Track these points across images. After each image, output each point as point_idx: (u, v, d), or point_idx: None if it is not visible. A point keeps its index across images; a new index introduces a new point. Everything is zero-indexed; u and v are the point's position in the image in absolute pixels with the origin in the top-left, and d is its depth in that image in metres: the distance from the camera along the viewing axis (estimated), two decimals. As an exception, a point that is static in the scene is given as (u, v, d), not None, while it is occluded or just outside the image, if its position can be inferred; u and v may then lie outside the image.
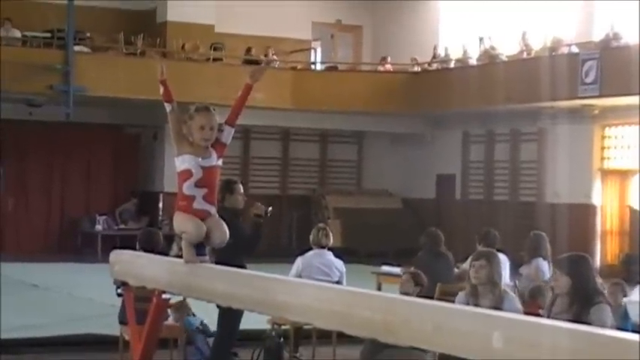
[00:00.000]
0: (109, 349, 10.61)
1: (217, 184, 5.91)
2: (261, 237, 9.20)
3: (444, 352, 4.28)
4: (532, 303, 7.95)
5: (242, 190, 9.18)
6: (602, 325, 6.27)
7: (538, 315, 6.94)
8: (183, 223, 5.77)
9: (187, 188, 5.71)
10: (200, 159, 5.77)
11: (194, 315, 10.40)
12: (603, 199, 22.02)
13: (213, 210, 5.76)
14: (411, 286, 8.72)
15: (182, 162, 5.77)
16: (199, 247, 5.83)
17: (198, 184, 5.71)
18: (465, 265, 8.53)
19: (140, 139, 26.06)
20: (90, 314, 13.26)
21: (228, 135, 6.05)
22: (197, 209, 5.70)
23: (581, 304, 6.67)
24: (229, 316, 8.63)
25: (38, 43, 23.42)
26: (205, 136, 5.81)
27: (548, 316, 6.64)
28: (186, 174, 5.72)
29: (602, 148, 22.17)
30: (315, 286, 5.05)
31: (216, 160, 5.87)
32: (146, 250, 9.17)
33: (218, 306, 8.16)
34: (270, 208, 9.21)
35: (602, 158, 22.16)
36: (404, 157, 27.10)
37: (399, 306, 4.60)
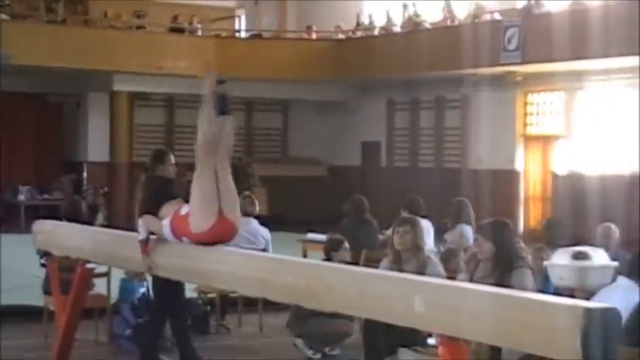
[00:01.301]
0: (34, 320, 10.51)
1: None
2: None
3: (368, 316, 4.34)
4: (446, 267, 8.03)
5: (173, 161, 9.10)
6: (523, 289, 6.38)
7: (453, 278, 7.04)
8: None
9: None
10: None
11: (145, 278, 10.15)
12: (526, 164, 22.29)
13: None
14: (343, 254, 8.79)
15: None
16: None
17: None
18: (389, 232, 8.61)
19: (63, 108, 25.77)
20: (14, 285, 13.08)
21: None
22: None
23: (503, 268, 6.78)
24: (166, 290, 8.57)
25: (-44, 11, 22.99)
26: None
27: (471, 280, 6.74)
28: None
29: (525, 115, 22.40)
30: (241, 254, 5.08)
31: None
32: (70, 220, 9.09)
33: (154, 278, 8.10)
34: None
35: (525, 124, 22.40)
36: (329, 124, 27.15)
37: (322, 272, 4.64)
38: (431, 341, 6.94)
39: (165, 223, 5.70)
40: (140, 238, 5.79)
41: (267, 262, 5.05)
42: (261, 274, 4.94)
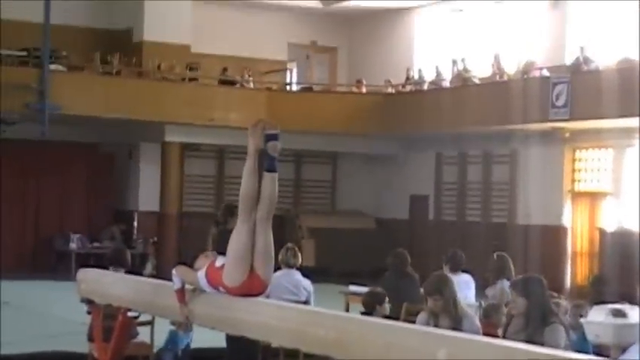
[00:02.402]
0: (79, 366, 10.70)
1: None
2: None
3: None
4: (487, 322, 8.10)
5: None
6: (555, 345, 6.44)
7: (495, 334, 7.11)
8: None
9: None
10: None
11: (191, 329, 10.35)
12: (574, 220, 22.23)
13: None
14: None
15: None
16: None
17: None
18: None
19: (115, 158, 26.14)
20: (61, 332, 13.33)
21: None
22: None
23: (535, 324, 6.84)
24: (239, 346, 8.87)
25: (13, 62, 23.46)
26: None
27: (504, 336, 6.81)
28: None
29: (573, 171, 22.38)
30: (273, 305, 5.21)
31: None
32: (115, 268, 9.29)
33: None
34: None
35: (573, 180, 22.37)
36: (377, 177, 27.28)
37: (352, 325, 4.76)
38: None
39: (201, 274, 5.86)
40: (175, 287, 5.96)
41: (299, 314, 5.18)
42: (293, 326, 5.07)
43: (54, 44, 23.11)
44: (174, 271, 6.03)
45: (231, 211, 9.01)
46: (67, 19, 24.49)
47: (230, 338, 9.17)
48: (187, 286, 6.00)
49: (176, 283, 5.97)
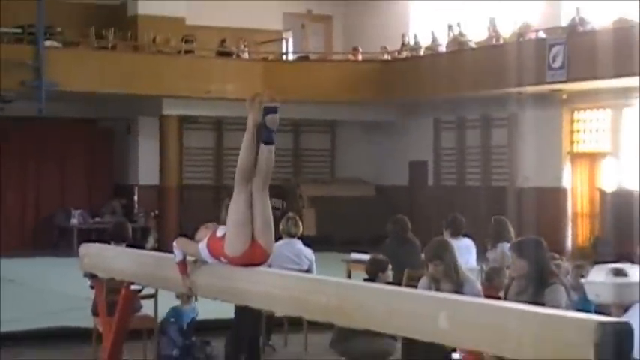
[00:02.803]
0: (84, 341, 10.77)
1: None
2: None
3: (395, 333, 4.48)
4: (489, 285, 8.16)
5: None
6: (557, 306, 6.49)
7: (497, 297, 7.16)
8: None
9: None
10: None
11: (195, 300, 10.42)
12: (573, 182, 22.27)
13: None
14: None
15: None
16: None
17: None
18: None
19: (113, 133, 26.16)
20: (65, 307, 13.40)
21: None
22: None
23: (536, 285, 6.88)
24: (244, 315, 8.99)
25: (9, 39, 23.40)
26: None
27: (505, 298, 6.85)
28: None
29: (572, 132, 22.40)
30: (275, 274, 5.25)
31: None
32: (116, 242, 9.33)
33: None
34: (283, 202, 9.58)
35: (572, 142, 22.39)
36: (376, 145, 27.30)
37: (353, 291, 4.80)
38: (455, 356, 7.06)
39: (202, 245, 5.89)
40: (177, 259, 6.00)
41: (301, 282, 5.22)
42: (295, 294, 5.10)
43: (48, 20, 23.06)
44: (174, 243, 6.06)
45: None
46: (60, -5, 24.45)
47: (238, 309, 9.27)
48: (189, 258, 6.03)
49: (177, 256, 6.01)
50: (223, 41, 25.37)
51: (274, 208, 9.21)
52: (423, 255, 11.17)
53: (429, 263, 7.74)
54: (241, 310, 9.18)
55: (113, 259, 6.88)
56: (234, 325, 9.89)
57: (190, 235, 6.13)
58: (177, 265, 6.00)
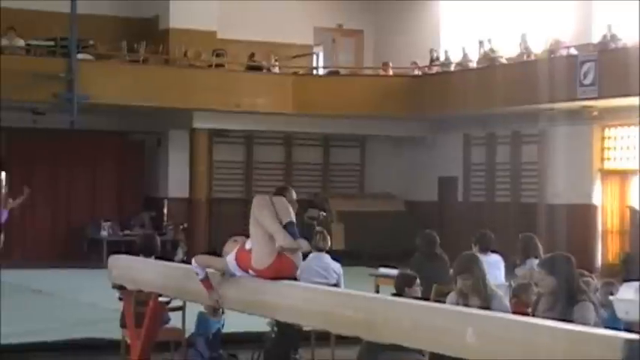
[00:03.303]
0: (112, 353, 10.78)
1: None
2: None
3: (422, 347, 4.48)
4: (517, 301, 8.12)
5: (294, 196, 9.01)
6: (585, 323, 6.43)
7: (525, 313, 7.12)
8: None
9: None
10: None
11: (223, 312, 10.45)
12: (603, 199, 22.17)
13: None
14: None
15: None
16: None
17: None
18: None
19: (144, 146, 26.26)
20: (93, 319, 13.44)
21: None
22: None
23: (564, 302, 6.84)
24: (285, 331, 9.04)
25: (42, 52, 23.63)
26: None
27: (534, 315, 6.82)
28: None
29: (602, 149, 22.33)
30: (301, 287, 5.25)
31: None
32: (145, 255, 9.35)
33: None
34: (323, 212, 9.47)
35: (602, 159, 22.32)
36: (406, 160, 27.28)
37: (380, 305, 4.80)
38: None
39: (230, 258, 5.91)
40: (200, 277, 6.04)
41: (328, 296, 5.22)
42: (322, 307, 5.11)
43: (81, 33, 23.24)
44: (193, 262, 6.11)
45: (281, 193, 8.95)
46: (93, 8, 24.60)
47: (279, 325, 9.30)
48: (213, 271, 6.06)
49: (200, 274, 6.04)
50: (252, 55, 25.46)
51: (310, 218, 9.21)
52: (451, 270, 11.20)
53: (458, 277, 7.70)
54: (283, 327, 9.19)
55: (141, 271, 6.91)
56: (274, 341, 9.87)
57: (218, 251, 6.16)
58: (201, 283, 6.03)
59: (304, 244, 5.83)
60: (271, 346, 10.06)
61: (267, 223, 5.75)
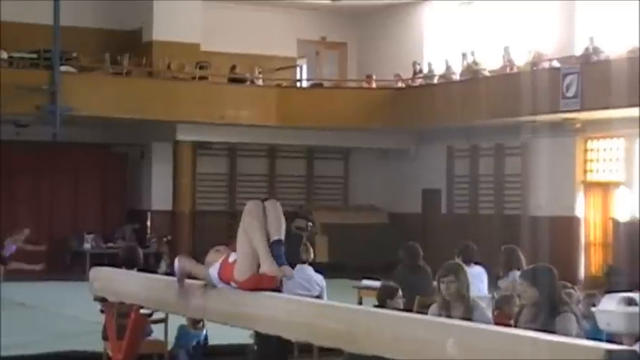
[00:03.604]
0: (94, 366, 10.76)
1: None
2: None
3: (403, 359, 4.47)
4: (500, 313, 8.13)
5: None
6: (567, 334, 6.45)
7: (508, 324, 7.13)
8: None
9: None
10: None
11: (203, 325, 10.42)
12: (586, 211, 22.22)
13: None
14: None
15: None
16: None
17: None
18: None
19: (127, 158, 26.21)
20: (76, 331, 13.41)
21: None
22: None
23: (546, 313, 6.85)
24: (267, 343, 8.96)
25: (25, 64, 23.57)
26: None
27: (516, 326, 6.82)
28: None
29: (585, 161, 22.38)
30: (283, 299, 5.24)
31: None
32: (128, 267, 9.33)
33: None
34: (310, 223, 9.36)
35: (585, 171, 22.37)
36: (390, 172, 27.29)
37: (361, 317, 4.79)
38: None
39: (213, 270, 5.89)
40: (177, 277, 6.07)
41: (309, 308, 5.20)
42: (304, 319, 5.09)
43: (64, 46, 23.20)
44: (176, 262, 6.11)
45: None
46: (76, 20, 24.56)
47: (261, 336, 9.23)
48: (196, 282, 6.06)
49: (176, 274, 6.07)
50: (233, 67, 25.45)
51: (298, 228, 9.13)
52: (434, 283, 11.20)
53: (442, 281, 7.67)
54: (264, 338, 9.13)
55: (123, 283, 6.88)
56: (257, 354, 9.80)
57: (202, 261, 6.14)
58: (189, 291, 6.04)
59: (288, 271, 5.78)
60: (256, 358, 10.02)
61: (256, 239, 5.70)
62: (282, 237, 5.82)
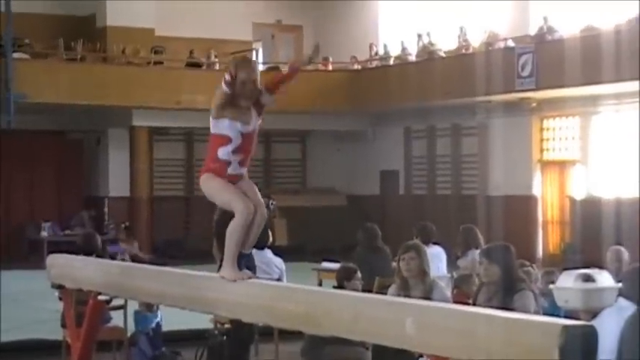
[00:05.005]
0: (53, 354, 10.70)
1: (254, 147, 5.63)
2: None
3: (362, 339, 4.48)
4: (459, 292, 8.18)
5: None
6: (526, 311, 6.50)
7: (467, 303, 7.16)
8: (221, 193, 5.49)
9: (223, 154, 5.48)
10: (240, 125, 5.46)
11: (157, 307, 10.36)
12: (543, 189, 22.38)
13: (245, 172, 5.57)
14: None
15: (220, 127, 5.48)
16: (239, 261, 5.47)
17: (235, 151, 5.48)
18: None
19: (83, 145, 26.05)
20: (35, 320, 13.32)
21: (268, 99, 5.53)
22: (231, 174, 5.48)
23: (505, 291, 6.90)
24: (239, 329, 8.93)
25: (-24, 52, 23.31)
26: (247, 94, 5.45)
27: (474, 305, 6.86)
28: (223, 139, 5.47)
29: (541, 140, 22.52)
30: (243, 283, 5.21)
31: (255, 123, 5.54)
32: (86, 254, 9.26)
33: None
34: (273, 202, 9.33)
35: (542, 150, 22.52)
36: (347, 154, 27.34)
37: (320, 298, 4.79)
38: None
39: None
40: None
41: (268, 290, 5.19)
42: (262, 302, 5.08)
43: (16, 32, 22.96)
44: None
45: None
46: (28, 7, 24.32)
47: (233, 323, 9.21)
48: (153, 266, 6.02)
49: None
50: (191, 52, 25.34)
51: None
52: (394, 263, 11.24)
53: (402, 259, 7.68)
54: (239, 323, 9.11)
55: (81, 269, 6.82)
56: (228, 340, 9.78)
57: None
58: (147, 276, 5.99)
59: (248, 275, 5.56)
60: (224, 344, 9.96)
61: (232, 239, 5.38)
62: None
